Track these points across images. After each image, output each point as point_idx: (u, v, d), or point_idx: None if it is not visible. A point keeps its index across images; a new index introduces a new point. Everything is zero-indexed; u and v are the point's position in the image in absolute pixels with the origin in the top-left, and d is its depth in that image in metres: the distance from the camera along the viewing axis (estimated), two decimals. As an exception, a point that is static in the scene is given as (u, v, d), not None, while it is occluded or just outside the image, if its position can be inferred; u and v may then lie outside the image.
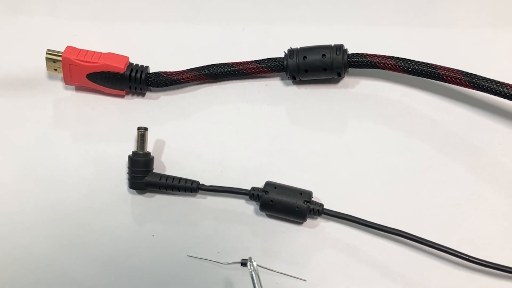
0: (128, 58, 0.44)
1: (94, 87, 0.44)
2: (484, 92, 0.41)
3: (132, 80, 0.44)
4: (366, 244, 0.41)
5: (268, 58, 0.44)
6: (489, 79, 0.41)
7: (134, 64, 0.44)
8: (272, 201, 0.41)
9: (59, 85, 0.46)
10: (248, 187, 0.42)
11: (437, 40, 0.46)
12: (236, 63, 0.45)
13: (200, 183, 0.42)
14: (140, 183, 0.42)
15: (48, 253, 0.42)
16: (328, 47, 0.43)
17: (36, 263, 0.41)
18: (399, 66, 0.42)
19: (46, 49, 0.43)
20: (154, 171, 0.42)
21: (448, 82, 0.41)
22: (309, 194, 0.41)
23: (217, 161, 0.43)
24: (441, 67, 0.42)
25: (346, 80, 0.45)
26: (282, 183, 0.41)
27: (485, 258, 0.39)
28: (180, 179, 0.42)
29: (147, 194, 0.43)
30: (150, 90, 0.45)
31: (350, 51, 0.43)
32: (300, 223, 0.41)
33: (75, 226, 0.42)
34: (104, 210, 0.42)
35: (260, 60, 0.44)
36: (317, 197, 0.42)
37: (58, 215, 0.42)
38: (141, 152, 0.42)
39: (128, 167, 0.42)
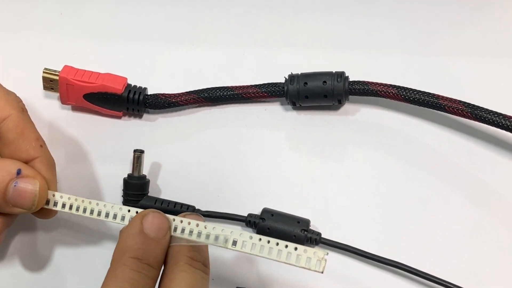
0: (126, 79, 0.43)
1: (90, 107, 0.44)
2: (486, 124, 0.40)
3: (130, 102, 0.43)
4: (363, 275, 0.40)
5: (268, 83, 0.44)
6: (491, 111, 0.40)
7: (132, 85, 0.44)
8: (269, 228, 0.40)
9: (55, 104, 0.45)
10: (245, 212, 0.41)
11: (439, 69, 0.45)
12: (236, 87, 0.44)
13: (196, 207, 0.41)
14: (135, 206, 0.41)
15: (41, 275, 0.41)
16: (329, 74, 0.42)
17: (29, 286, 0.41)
18: (401, 95, 0.42)
19: (43, 68, 0.43)
20: (149, 194, 0.42)
21: (450, 113, 0.41)
22: (306, 222, 0.40)
23: (214, 185, 0.43)
24: (443, 98, 0.41)
25: (347, 107, 0.44)
26: (280, 211, 0.41)
27: (484, 293, 0.39)
28: (175, 203, 0.41)
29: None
30: (148, 112, 0.45)
31: (351, 78, 0.43)
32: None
33: (68, 249, 0.41)
34: (97, 233, 0.42)
35: (260, 84, 0.44)
36: (315, 225, 0.41)
37: (51, 237, 0.42)
38: (137, 175, 0.41)
39: (123, 190, 0.41)
